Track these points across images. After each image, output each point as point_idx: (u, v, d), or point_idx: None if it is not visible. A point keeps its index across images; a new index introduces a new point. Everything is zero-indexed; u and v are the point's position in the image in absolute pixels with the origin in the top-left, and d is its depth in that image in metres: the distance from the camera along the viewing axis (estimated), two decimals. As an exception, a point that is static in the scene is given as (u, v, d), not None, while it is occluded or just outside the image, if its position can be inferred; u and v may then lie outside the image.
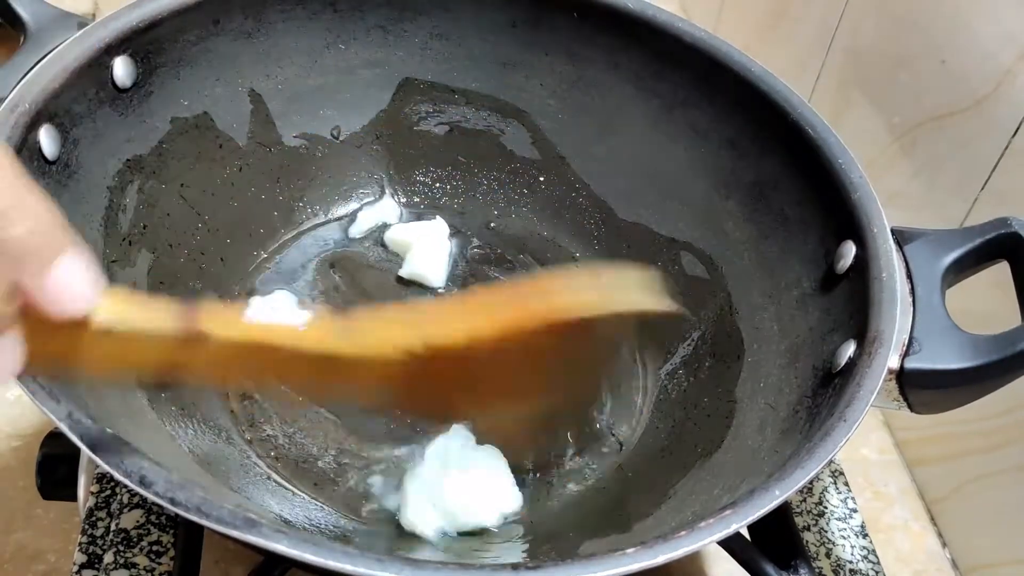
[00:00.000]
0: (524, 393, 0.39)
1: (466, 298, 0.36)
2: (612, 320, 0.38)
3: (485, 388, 0.38)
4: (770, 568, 0.44)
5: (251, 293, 0.53)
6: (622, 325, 0.39)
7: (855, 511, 0.53)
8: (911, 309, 0.41)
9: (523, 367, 0.37)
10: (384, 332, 0.33)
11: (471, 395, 0.38)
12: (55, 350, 0.28)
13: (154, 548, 0.45)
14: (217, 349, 0.29)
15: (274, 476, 0.45)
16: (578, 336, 0.37)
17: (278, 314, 0.50)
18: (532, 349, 0.36)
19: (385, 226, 0.58)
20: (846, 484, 0.54)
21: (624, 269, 0.39)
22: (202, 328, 0.29)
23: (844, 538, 0.51)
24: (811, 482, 0.44)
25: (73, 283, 0.26)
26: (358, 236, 0.57)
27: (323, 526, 0.43)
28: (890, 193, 0.58)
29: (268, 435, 0.47)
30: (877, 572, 0.50)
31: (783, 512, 0.49)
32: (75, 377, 0.33)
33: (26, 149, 0.40)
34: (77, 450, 0.39)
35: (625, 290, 0.38)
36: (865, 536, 0.52)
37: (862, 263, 0.42)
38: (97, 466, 0.47)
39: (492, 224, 0.59)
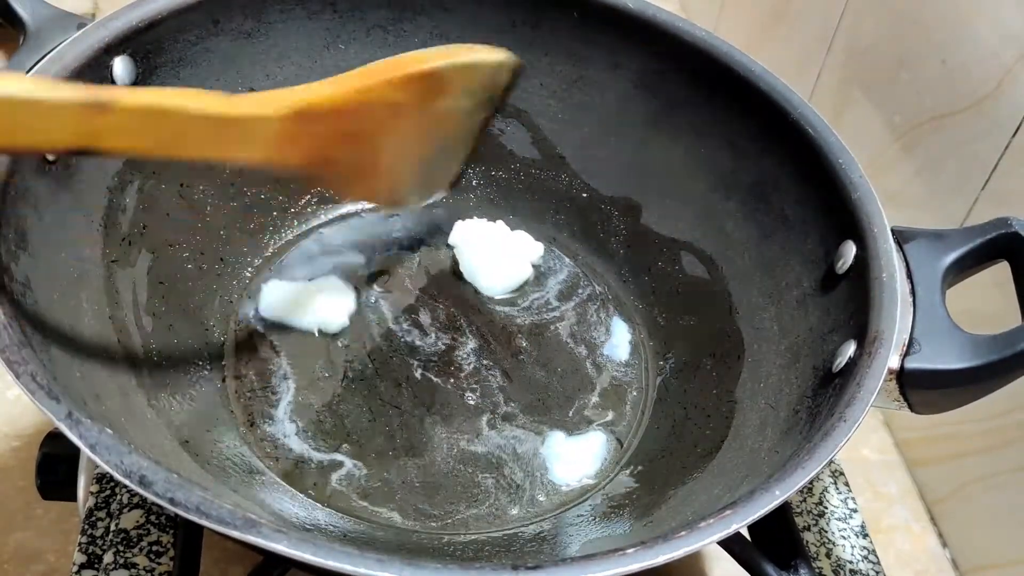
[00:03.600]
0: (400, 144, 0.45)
1: (339, 76, 0.40)
2: (460, 71, 0.43)
3: (356, 144, 0.42)
4: (770, 568, 0.44)
5: (251, 293, 0.53)
6: (470, 76, 0.44)
7: (855, 511, 0.53)
8: (911, 309, 0.41)
9: (386, 122, 0.42)
10: (262, 96, 0.38)
11: (346, 151, 0.42)
12: None
13: (154, 548, 0.45)
14: (121, 116, 0.33)
15: (274, 476, 0.45)
16: (432, 88, 0.43)
17: (329, 299, 0.53)
18: (392, 104, 0.41)
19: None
20: (846, 484, 0.54)
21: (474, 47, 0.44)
22: (105, 97, 0.32)
23: (844, 538, 0.51)
24: (811, 482, 0.44)
25: None
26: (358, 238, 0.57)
27: (323, 526, 0.43)
28: (890, 193, 0.58)
29: (268, 435, 0.47)
30: (877, 572, 0.50)
31: (783, 512, 0.49)
32: None
33: (26, 149, 0.40)
34: (77, 450, 0.39)
35: (470, 49, 0.44)
36: (865, 536, 0.52)
37: (862, 263, 0.42)
38: (97, 466, 0.47)
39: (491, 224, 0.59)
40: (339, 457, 0.47)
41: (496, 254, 0.56)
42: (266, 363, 0.50)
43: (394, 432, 0.48)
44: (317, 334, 0.52)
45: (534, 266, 0.57)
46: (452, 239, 0.57)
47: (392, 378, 0.50)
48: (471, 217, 0.57)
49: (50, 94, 0.31)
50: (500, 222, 0.57)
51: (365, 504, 0.45)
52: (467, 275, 0.56)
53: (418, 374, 0.51)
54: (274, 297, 0.52)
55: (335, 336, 0.52)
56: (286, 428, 0.47)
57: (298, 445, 0.47)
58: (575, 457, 0.49)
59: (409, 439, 0.48)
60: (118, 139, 0.34)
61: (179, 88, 0.36)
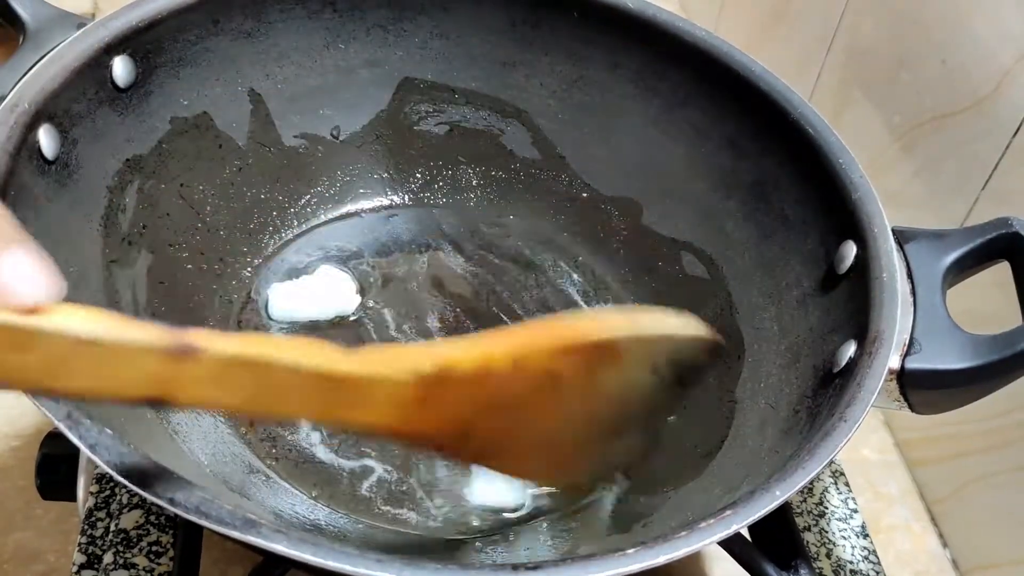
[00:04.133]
0: (545, 424, 0.37)
1: (483, 335, 0.33)
2: (641, 344, 0.35)
3: (503, 416, 0.34)
4: (770, 568, 0.44)
5: (251, 293, 0.53)
6: (652, 350, 0.36)
7: (856, 511, 0.53)
8: (911, 309, 0.41)
9: (543, 394, 0.34)
10: (392, 353, 0.31)
11: (489, 423, 0.34)
12: (29, 363, 0.25)
13: (154, 548, 0.45)
14: (210, 365, 0.27)
15: (274, 476, 0.45)
16: (604, 360, 0.35)
17: (333, 290, 0.53)
18: (552, 374, 0.34)
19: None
20: (847, 484, 0.54)
21: (659, 310, 0.37)
22: (193, 342, 0.27)
23: (844, 538, 0.51)
24: (811, 482, 0.44)
25: (25, 271, 0.24)
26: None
27: (323, 526, 0.43)
28: (890, 193, 0.58)
29: (268, 435, 0.47)
30: (878, 572, 0.50)
31: (783, 512, 0.49)
32: (59, 396, 0.30)
33: (25, 149, 0.40)
34: (77, 450, 0.39)
35: (655, 316, 0.36)
36: (866, 536, 0.52)
37: (862, 263, 0.42)
38: (97, 466, 0.47)
39: (492, 224, 0.59)
40: (369, 463, 0.47)
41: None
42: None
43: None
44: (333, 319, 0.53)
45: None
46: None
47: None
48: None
49: (126, 335, 0.26)
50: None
51: (388, 508, 0.45)
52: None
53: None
54: (281, 299, 0.52)
55: (339, 338, 0.52)
56: (286, 428, 0.47)
57: (298, 445, 0.47)
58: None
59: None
60: (202, 392, 0.28)
61: (284, 338, 0.30)
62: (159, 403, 0.27)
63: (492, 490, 0.46)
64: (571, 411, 0.36)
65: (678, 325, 0.37)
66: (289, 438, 0.47)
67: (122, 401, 0.27)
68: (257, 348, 0.28)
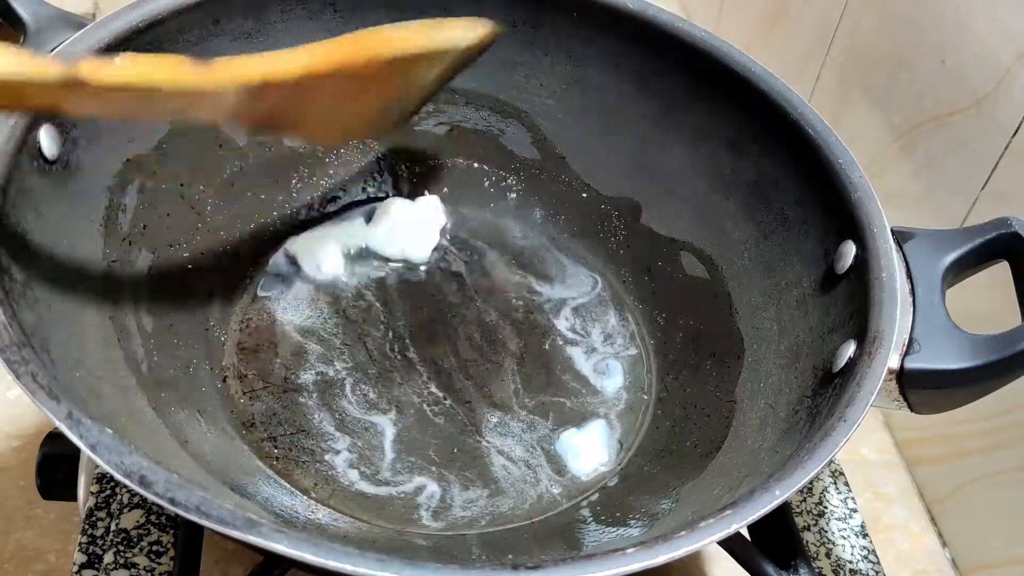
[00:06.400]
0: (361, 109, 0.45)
1: (308, 47, 0.41)
2: (436, 55, 0.44)
3: (312, 103, 0.42)
4: (770, 568, 0.44)
5: (250, 294, 0.53)
6: (444, 58, 0.44)
7: (855, 511, 0.53)
8: (911, 309, 0.41)
9: (347, 88, 0.42)
10: (231, 67, 0.38)
11: (299, 107, 0.42)
12: None
13: (154, 548, 0.45)
14: (95, 88, 0.35)
15: (274, 476, 0.45)
16: (402, 66, 0.43)
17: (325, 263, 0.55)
18: (359, 78, 0.42)
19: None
20: (846, 484, 0.54)
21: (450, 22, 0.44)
22: (80, 73, 0.34)
23: (844, 538, 0.51)
24: (811, 482, 0.44)
25: None
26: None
27: (323, 526, 0.43)
28: (890, 193, 0.58)
29: (268, 435, 0.47)
30: (877, 572, 0.50)
31: (783, 512, 0.49)
32: None
33: (26, 149, 0.40)
34: (77, 450, 0.39)
35: (450, 30, 0.44)
36: (865, 536, 0.52)
37: (862, 263, 0.42)
38: (97, 466, 0.47)
39: (492, 224, 0.59)
40: (339, 457, 0.47)
41: (408, 225, 0.57)
42: (268, 365, 0.50)
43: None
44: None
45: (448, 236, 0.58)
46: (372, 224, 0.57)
47: (396, 381, 0.50)
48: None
49: (32, 68, 0.33)
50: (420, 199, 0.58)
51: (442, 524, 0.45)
52: (381, 249, 0.56)
53: (422, 379, 0.51)
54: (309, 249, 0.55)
55: (340, 340, 0.52)
56: (285, 428, 0.47)
57: (298, 445, 0.47)
58: (583, 451, 0.49)
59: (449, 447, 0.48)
60: (88, 106, 0.36)
61: (150, 57, 0.36)
62: (54, 112, 0.37)
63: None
64: (368, 100, 0.45)
65: (465, 30, 0.44)
66: (289, 438, 0.47)
67: (24, 109, 0.39)
68: (129, 76, 0.35)
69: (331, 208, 0.58)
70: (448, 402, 0.50)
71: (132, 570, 0.44)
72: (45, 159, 0.41)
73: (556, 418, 0.50)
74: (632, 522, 0.44)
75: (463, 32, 0.44)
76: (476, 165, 0.59)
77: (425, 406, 0.49)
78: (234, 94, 0.38)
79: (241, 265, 0.54)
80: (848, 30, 0.66)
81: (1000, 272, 0.43)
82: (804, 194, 0.48)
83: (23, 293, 0.37)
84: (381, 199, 0.58)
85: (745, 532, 0.47)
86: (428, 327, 0.53)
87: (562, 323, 0.55)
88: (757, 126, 0.50)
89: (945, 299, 0.42)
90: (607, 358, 0.54)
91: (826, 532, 0.52)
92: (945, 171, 0.57)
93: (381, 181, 0.59)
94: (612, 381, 0.52)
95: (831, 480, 0.54)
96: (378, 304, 0.54)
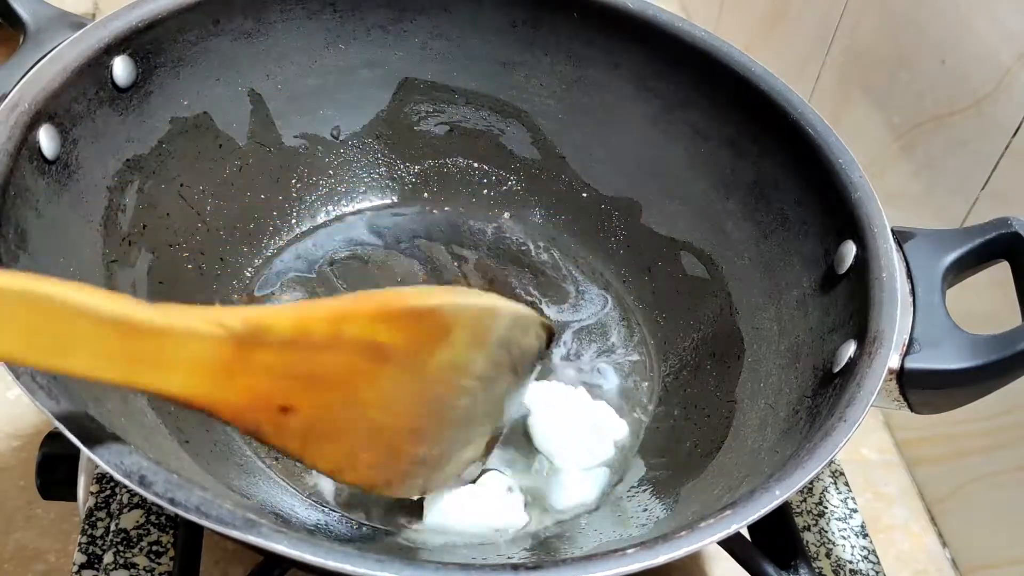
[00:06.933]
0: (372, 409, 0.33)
1: (301, 302, 0.31)
2: (465, 319, 0.33)
3: (327, 392, 0.31)
4: (770, 568, 0.44)
5: (251, 294, 0.53)
6: (478, 327, 0.33)
7: (855, 511, 0.53)
8: (911, 309, 0.41)
9: (369, 369, 0.31)
10: (198, 309, 0.28)
11: (311, 399, 0.31)
12: None
13: (154, 548, 0.45)
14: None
15: (274, 476, 0.45)
16: (430, 334, 0.32)
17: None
18: (377, 346, 0.31)
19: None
20: (846, 484, 0.54)
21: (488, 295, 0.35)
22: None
23: (844, 538, 0.51)
24: (811, 482, 0.44)
25: None
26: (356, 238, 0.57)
27: (323, 526, 0.43)
28: (890, 193, 0.58)
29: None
30: (877, 572, 0.50)
31: (783, 512, 0.49)
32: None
33: (26, 149, 0.40)
34: (77, 450, 0.39)
35: (480, 295, 0.35)
36: (865, 536, 0.52)
37: (862, 263, 0.42)
38: (97, 466, 0.47)
39: (492, 224, 0.59)
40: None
41: (575, 426, 0.48)
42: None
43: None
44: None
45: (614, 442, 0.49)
46: (527, 400, 0.48)
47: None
48: (548, 380, 0.50)
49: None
50: (581, 389, 0.50)
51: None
52: (540, 444, 0.47)
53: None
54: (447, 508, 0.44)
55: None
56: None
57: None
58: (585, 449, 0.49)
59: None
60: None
61: (57, 280, 0.25)
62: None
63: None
64: (404, 393, 0.32)
65: (503, 304, 0.34)
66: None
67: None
68: (37, 284, 0.25)
69: (333, 209, 0.58)
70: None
71: (132, 570, 0.44)
72: (45, 159, 0.41)
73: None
74: (632, 522, 0.44)
75: (506, 303, 0.35)
76: (476, 165, 0.59)
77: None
78: (208, 344, 0.28)
79: (241, 265, 0.54)
80: (848, 30, 0.66)
81: (1000, 272, 0.43)
82: (804, 194, 0.48)
83: (23, 293, 0.37)
84: (382, 205, 0.58)
85: (745, 532, 0.47)
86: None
87: (560, 323, 0.55)
88: (757, 126, 0.50)
89: (945, 299, 0.42)
90: (606, 358, 0.54)
91: (826, 532, 0.52)
92: (945, 171, 0.57)
93: (381, 182, 0.59)
94: (611, 380, 0.52)
95: (831, 480, 0.54)
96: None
